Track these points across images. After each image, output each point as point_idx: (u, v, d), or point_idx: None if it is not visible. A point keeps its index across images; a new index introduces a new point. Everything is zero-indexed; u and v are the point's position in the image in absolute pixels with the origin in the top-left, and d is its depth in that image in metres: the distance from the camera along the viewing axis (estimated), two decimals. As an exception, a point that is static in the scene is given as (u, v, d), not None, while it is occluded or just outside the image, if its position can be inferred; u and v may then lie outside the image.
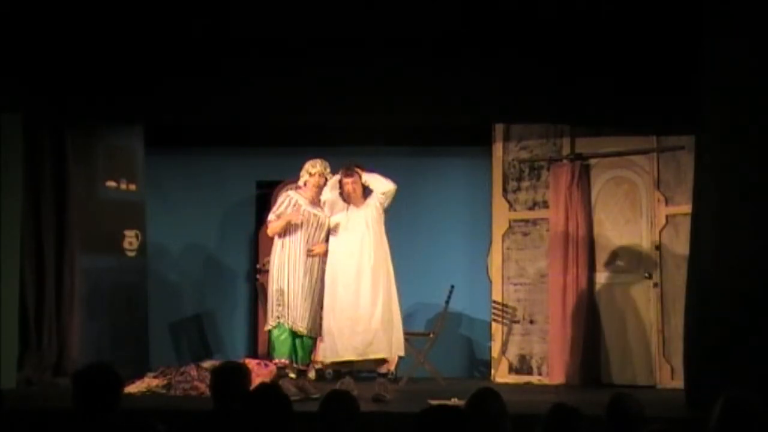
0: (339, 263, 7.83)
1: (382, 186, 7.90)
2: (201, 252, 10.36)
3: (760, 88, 7.12)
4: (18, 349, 8.43)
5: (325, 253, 7.91)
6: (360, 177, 7.89)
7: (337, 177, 7.93)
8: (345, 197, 7.91)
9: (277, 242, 7.96)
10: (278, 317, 7.81)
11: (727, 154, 7.25)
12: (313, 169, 7.96)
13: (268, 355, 8.41)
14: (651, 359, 9.01)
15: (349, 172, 7.88)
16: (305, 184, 8.00)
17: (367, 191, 7.95)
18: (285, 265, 7.85)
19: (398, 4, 7.68)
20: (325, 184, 7.96)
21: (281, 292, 7.83)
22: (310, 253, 7.87)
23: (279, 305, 7.81)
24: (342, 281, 7.78)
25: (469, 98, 8.03)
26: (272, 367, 8.11)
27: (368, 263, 7.77)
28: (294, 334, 7.83)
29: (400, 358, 8.25)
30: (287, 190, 8.21)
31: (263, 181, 10.24)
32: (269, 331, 7.92)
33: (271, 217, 7.99)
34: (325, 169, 7.96)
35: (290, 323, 7.79)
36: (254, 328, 10.00)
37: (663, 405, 7.23)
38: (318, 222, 7.94)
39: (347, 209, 7.92)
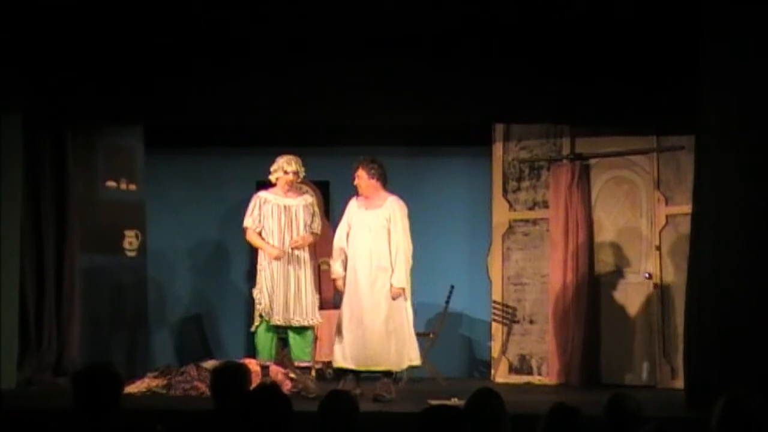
0: (358, 265, 7.76)
1: (398, 280, 7.72)
2: (201, 252, 10.35)
3: (760, 88, 7.12)
4: (18, 349, 8.42)
5: (311, 244, 7.88)
6: (367, 173, 7.76)
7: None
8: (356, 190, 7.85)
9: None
10: (260, 315, 7.82)
11: (727, 154, 7.25)
12: (288, 167, 7.87)
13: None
14: (651, 359, 9.01)
15: (356, 164, 7.79)
16: (277, 181, 7.93)
17: (382, 195, 7.84)
18: (266, 263, 7.83)
19: (398, 3, 7.68)
20: (298, 181, 7.91)
21: (260, 290, 7.82)
22: (293, 245, 7.81)
23: (259, 303, 7.82)
24: (361, 282, 7.73)
25: (469, 98, 8.04)
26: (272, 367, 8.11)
27: (383, 265, 7.72)
28: (288, 332, 7.84)
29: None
30: (257, 192, 8.13)
31: (263, 181, 10.19)
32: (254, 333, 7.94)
33: (247, 222, 7.91)
34: (300, 167, 7.90)
35: (271, 318, 7.77)
36: (254, 328, 9.99)
37: (663, 405, 7.23)
38: (292, 213, 7.88)
39: (363, 209, 7.85)
